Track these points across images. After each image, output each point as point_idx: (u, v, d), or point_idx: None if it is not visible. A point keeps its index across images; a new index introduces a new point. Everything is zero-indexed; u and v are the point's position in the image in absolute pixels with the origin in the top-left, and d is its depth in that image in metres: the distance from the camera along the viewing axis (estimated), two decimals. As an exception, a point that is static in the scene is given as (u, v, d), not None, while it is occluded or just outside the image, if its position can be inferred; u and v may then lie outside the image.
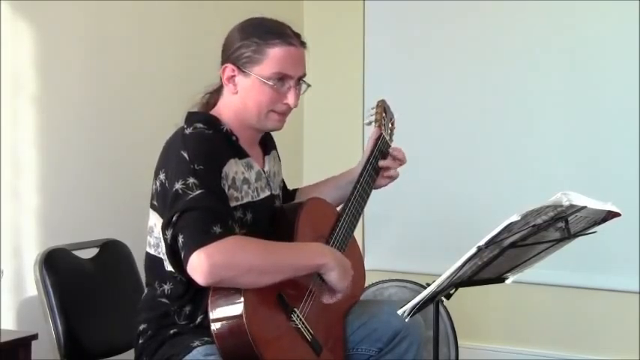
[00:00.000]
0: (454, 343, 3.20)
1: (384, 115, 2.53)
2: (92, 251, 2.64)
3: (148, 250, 2.22)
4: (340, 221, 2.28)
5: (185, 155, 2.06)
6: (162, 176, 2.11)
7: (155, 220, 2.17)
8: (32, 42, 2.70)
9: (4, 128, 2.59)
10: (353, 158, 3.66)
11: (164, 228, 2.06)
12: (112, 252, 2.67)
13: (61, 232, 2.71)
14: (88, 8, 2.88)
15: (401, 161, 2.47)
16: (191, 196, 2.01)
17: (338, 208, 2.36)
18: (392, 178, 2.48)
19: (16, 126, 2.66)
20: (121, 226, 2.89)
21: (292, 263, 2.09)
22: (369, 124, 2.53)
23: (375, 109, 2.53)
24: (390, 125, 2.56)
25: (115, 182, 2.98)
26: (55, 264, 2.44)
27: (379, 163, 2.44)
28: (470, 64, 3.73)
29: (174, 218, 2.01)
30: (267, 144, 2.35)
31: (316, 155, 4.05)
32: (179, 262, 2.04)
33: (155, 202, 2.16)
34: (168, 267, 2.13)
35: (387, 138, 2.51)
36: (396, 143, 2.54)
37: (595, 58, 3.49)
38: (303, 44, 2.22)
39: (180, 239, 2.00)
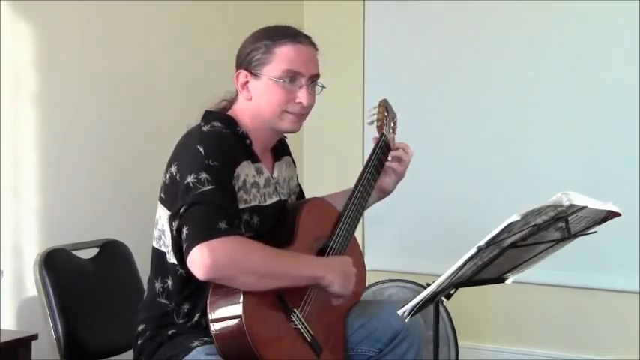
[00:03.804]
0: (454, 343, 3.20)
1: (386, 114, 2.52)
2: (92, 251, 2.64)
3: (153, 242, 2.23)
4: (341, 221, 2.28)
5: (201, 150, 2.07)
6: (173, 169, 2.12)
7: (161, 213, 2.18)
8: (32, 42, 2.70)
9: (4, 128, 2.59)
10: (353, 158, 3.68)
11: (171, 219, 2.06)
12: (112, 252, 2.67)
13: (61, 232, 2.71)
14: (88, 8, 2.88)
15: (404, 161, 2.45)
16: (201, 190, 2.01)
17: (339, 208, 2.35)
18: (397, 176, 2.46)
19: (16, 126, 2.66)
20: (121, 226, 2.89)
21: (293, 273, 2.09)
22: (371, 123, 2.51)
23: (376, 109, 2.53)
24: (392, 125, 2.55)
25: (115, 182, 2.98)
26: (55, 264, 2.44)
27: (386, 164, 2.43)
28: (470, 64, 3.73)
29: (181, 210, 2.02)
30: (278, 150, 2.35)
31: (316, 155, 4.05)
32: (182, 255, 2.04)
33: (163, 195, 2.17)
34: (171, 259, 2.13)
35: (389, 137, 2.51)
36: (397, 143, 2.54)
37: (595, 58, 3.49)
38: (313, 45, 2.24)
39: (185, 231, 2.00)
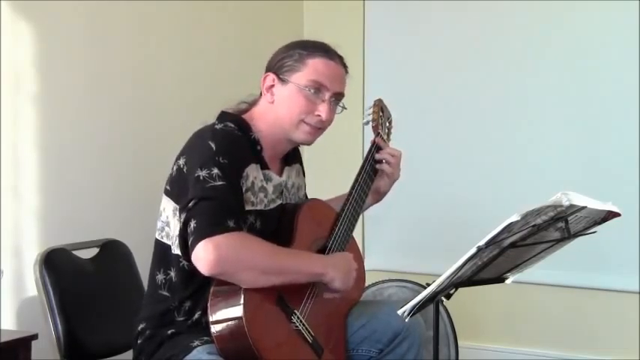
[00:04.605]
0: (454, 343, 3.20)
1: (381, 114, 2.53)
2: (92, 251, 2.64)
3: (155, 234, 2.24)
4: (339, 221, 2.29)
5: (212, 145, 2.08)
6: (181, 161, 2.13)
7: (165, 204, 2.19)
8: (32, 42, 2.70)
9: (4, 128, 2.59)
10: (353, 158, 3.67)
11: (180, 211, 2.07)
12: (112, 252, 2.67)
13: (61, 232, 2.71)
14: (88, 8, 2.87)
15: (391, 163, 2.44)
16: (212, 184, 2.02)
17: (337, 209, 2.36)
18: (389, 178, 2.47)
19: (16, 126, 2.66)
20: (121, 226, 2.89)
21: (294, 269, 2.10)
22: (367, 123, 2.53)
23: (371, 109, 2.54)
24: (387, 124, 2.57)
25: (116, 182, 2.98)
26: (55, 264, 2.44)
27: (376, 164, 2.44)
28: (470, 63, 3.73)
29: (190, 203, 2.03)
30: (289, 156, 2.35)
31: (316, 155, 4.03)
32: (187, 248, 2.05)
33: (168, 187, 2.18)
34: (176, 250, 2.14)
35: (385, 137, 2.51)
36: (396, 143, 2.54)
37: (595, 58, 3.49)
38: (344, 65, 2.28)
39: (192, 225, 2.01)
